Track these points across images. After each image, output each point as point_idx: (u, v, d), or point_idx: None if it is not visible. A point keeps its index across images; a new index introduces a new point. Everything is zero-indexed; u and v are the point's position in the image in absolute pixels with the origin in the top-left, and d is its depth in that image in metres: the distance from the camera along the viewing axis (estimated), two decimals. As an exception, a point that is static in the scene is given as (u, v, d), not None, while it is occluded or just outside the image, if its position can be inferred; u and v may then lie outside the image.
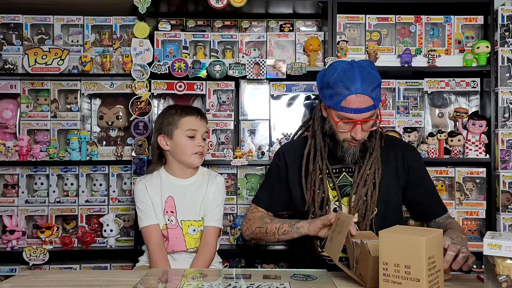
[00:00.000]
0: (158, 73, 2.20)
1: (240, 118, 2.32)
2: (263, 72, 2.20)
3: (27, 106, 2.32)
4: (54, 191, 2.31)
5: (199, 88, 2.27)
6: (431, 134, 2.24)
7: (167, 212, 1.76)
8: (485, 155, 2.21)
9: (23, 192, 2.31)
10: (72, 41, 2.37)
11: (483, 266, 1.12)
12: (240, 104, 2.31)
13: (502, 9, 2.25)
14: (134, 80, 2.21)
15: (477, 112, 2.27)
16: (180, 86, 2.26)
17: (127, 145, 2.29)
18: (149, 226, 1.74)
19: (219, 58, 2.31)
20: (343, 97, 1.51)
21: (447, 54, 2.28)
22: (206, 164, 2.20)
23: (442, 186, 2.27)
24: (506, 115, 2.23)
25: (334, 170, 1.67)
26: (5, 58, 2.29)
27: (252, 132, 2.33)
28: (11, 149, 2.24)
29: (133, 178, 2.19)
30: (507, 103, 2.22)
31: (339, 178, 1.67)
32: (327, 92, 1.57)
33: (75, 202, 2.30)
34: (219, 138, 2.33)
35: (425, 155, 2.21)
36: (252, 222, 1.77)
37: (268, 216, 1.77)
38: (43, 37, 2.36)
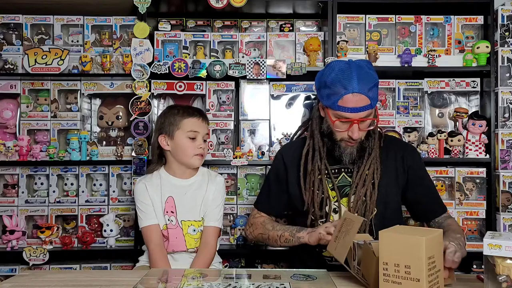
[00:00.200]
0: (158, 73, 2.20)
1: (240, 118, 2.32)
2: (263, 72, 2.20)
3: (27, 106, 2.32)
4: (54, 191, 2.31)
5: (199, 88, 2.27)
6: (431, 134, 2.24)
7: (167, 212, 1.76)
8: (485, 155, 2.21)
9: (23, 192, 2.31)
10: (72, 41, 2.37)
11: (483, 266, 1.12)
12: (240, 104, 2.31)
13: (502, 9, 2.25)
14: (134, 80, 2.21)
15: (477, 112, 2.27)
16: (180, 86, 2.26)
17: (127, 145, 2.29)
18: (149, 226, 1.74)
19: (219, 58, 2.31)
20: (340, 96, 1.51)
21: (447, 54, 2.28)
22: (206, 164, 2.19)
23: (442, 186, 2.27)
24: (506, 115, 2.23)
25: (333, 171, 1.67)
26: (5, 58, 2.29)
27: (252, 132, 2.33)
28: (11, 149, 2.24)
29: (133, 178, 2.19)
30: (507, 103, 2.22)
31: (338, 178, 1.67)
32: (324, 92, 1.57)
33: (75, 202, 2.30)
34: (219, 138, 2.33)
35: (425, 155, 2.21)
36: (255, 227, 1.79)
37: (270, 221, 1.77)
38: (43, 37, 2.36)
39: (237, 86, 2.32)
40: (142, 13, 2.22)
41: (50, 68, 2.24)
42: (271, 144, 2.32)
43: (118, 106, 2.34)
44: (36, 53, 2.26)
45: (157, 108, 2.37)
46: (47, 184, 2.33)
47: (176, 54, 2.32)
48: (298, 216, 1.72)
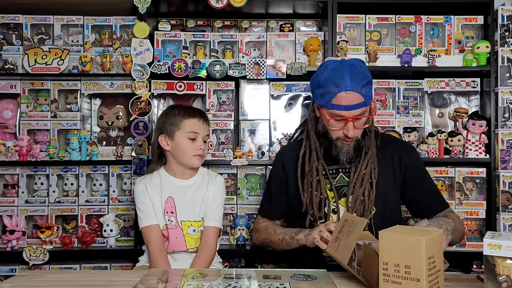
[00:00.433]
0: (158, 73, 2.20)
1: (240, 118, 2.32)
2: (263, 72, 2.20)
3: (27, 106, 2.32)
4: (54, 191, 2.31)
5: (199, 88, 2.27)
6: (431, 134, 2.24)
7: (167, 212, 1.76)
8: (485, 155, 2.21)
9: (23, 192, 2.31)
10: (72, 41, 2.37)
11: (483, 266, 1.12)
12: (240, 104, 2.31)
13: (502, 9, 2.25)
14: (134, 80, 2.21)
15: (477, 112, 2.27)
16: (180, 86, 2.26)
17: (127, 145, 2.29)
18: (149, 226, 1.74)
19: (219, 58, 2.31)
20: (333, 94, 1.52)
21: (447, 54, 2.28)
22: (206, 164, 2.20)
23: (442, 186, 2.27)
24: (506, 115, 2.23)
25: (331, 171, 1.67)
26: (5, 58, 2.29)
27: (252, 132, 2.33)
28: (11, 149, 2.24)
29: (133, 178, 2.19)
30: (507, 103, 2.22)
31: (336, 178, 1.67)
32: (318, 92, 1.58)
33: (75, 202, 2.30)
34: (219, 138, 2.33)
35: (425, 155, 2.21)
36: (259, 233, 1.81)
37: (272, 226, 1.78)
38: (43, 37, 2.36)
39: (237, 86, 2.32)
40: (142, 13, 2.22)
41: (50, 68, 2.24)
42: (271, 144, 2.32)
43: (118, 106, 2.34)
44: (36, 53, 2.26)
45: (157, 108, 2.37)
46: (47, 184, 2.32)
47: (176, 54, 2.32)
48: (297, 217, 1.72)
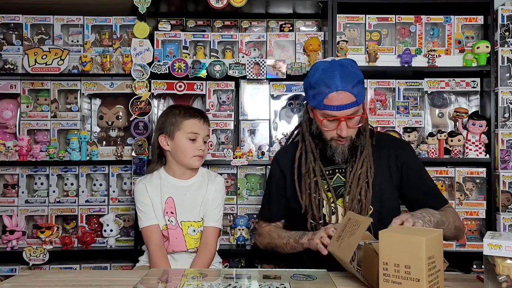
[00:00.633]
0: (158, 73, 2.20)
1: (240, 118, 2.32)
2: (263, 72, 2.20)
3: (27, 106, 2.32)
4: (54, 191, 2.31)
5: (199, 88, 2.27)
6: (431, 134, 2.24)
7: (167, 212, 1.76)
8: (485, 155, 2.21)
9: (23, 192, 2.31)
10: (72, 41, 2.37)
11: (483, 266, 1.12)
12: (240, 104, 2.31)
13: (502, 9, 2.25)
14: (134, 80, 2.21)
15: (477, 112, 2.27)
16: (180, 86, 2.26)
17: (127, 145, 2.29)
18: (149, 226, 1.74)
19: (219, 58, 2.31)
20: (324, 95, 1.52)
21: (447, 54, 2.28)
22: (206, 164, 2.20)
23: (442, 186, 2.27)
24: (506, 115, 2.23)
25: (327, 172, 1.67)
26: (5, 58, 2.29)
27: (252, 132, 2.33)
28: (11, 149, 2.24)
29: (133, 178, 2.19)
30: (507, 103, 2.22)
31: (333, 179, 1.66)
32: (310, 93, 1.59)
33: (75, 202, 2.30)
34: (219, 138, 2.33)
35: (425, 155, 2.21)
36: (263, 237, 1.80)
37: (275, 229, 1.77)
38: (43, 37, 2.36)
39: (237, 86, 2.32)
40: (142, 13, 2.22)
41: (50, 68, 2.24)
42: (271, 144, 2.32)
43: (118, 106, 2.34)
44: (36, 53, 2.26)
45: (157, 108, 2.37)
46: (47, 184, 2.33)
47: (176, 54, 2.32)
48: (297, 218, 1.72)
